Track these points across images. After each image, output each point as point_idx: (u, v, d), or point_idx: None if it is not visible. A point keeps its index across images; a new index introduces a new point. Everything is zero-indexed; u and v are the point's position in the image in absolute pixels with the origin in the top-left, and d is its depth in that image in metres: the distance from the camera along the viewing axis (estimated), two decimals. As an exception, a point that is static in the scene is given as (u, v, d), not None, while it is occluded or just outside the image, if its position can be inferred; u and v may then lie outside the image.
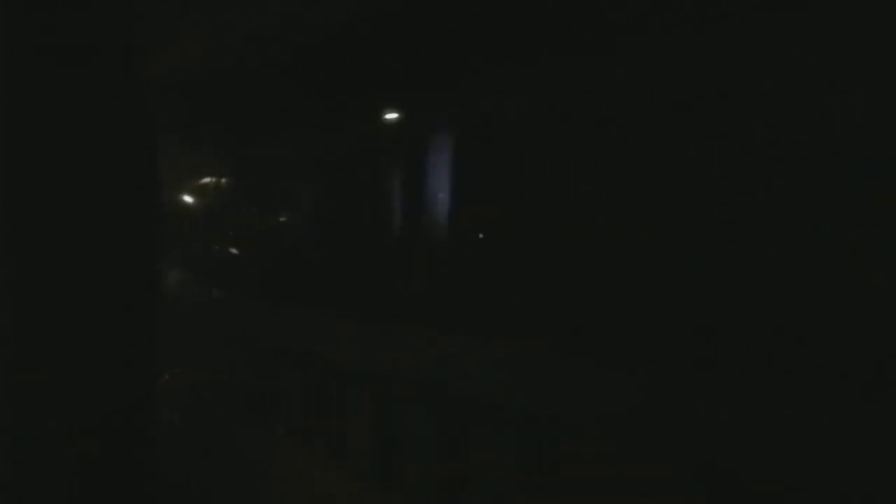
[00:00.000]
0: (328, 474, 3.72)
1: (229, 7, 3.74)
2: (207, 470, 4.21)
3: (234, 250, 5.17)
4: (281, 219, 4.77)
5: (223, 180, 5.38)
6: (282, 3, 3.55)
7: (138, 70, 2.40)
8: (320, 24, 3.46)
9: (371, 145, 3.92)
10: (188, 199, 5.62)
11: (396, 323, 3.43)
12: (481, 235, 3.26)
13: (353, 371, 3.59)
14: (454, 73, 3.25)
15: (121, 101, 2.34)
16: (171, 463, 4.38)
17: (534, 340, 2.86)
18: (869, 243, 1.90)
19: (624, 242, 2.65)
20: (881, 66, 1.92)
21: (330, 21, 3.34)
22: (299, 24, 3.55)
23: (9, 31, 2.17)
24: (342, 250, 4.13)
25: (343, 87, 3.84)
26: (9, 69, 2.18)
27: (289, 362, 4.06)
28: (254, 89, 4.42)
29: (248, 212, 5.05)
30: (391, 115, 3.70)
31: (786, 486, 1.79)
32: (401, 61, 3.40)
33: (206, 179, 5.50)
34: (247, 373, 4.38)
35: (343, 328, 3.72)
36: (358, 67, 3.67)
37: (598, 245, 2.75)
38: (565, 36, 2.81)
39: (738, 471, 1.91)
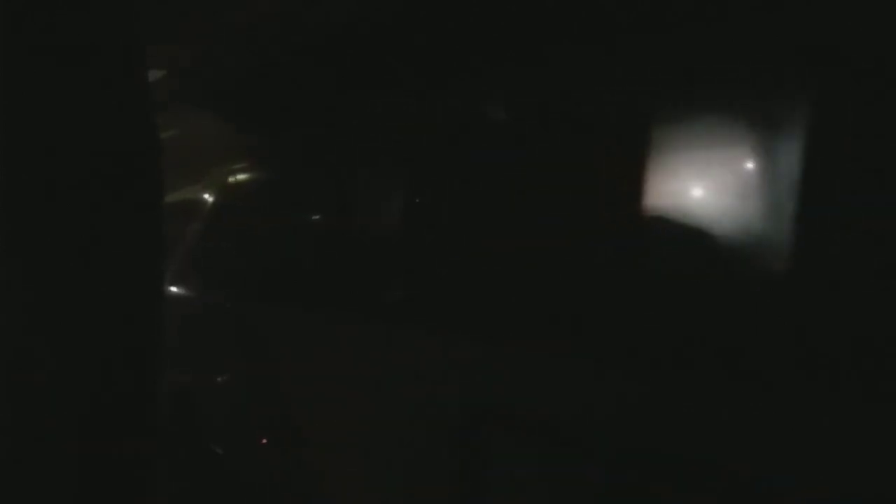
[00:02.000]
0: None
1: (230, 6, 3.74)
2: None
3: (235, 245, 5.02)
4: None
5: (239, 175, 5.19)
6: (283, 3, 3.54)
7: (138, 70, 2.40)
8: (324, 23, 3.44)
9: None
10: (192, 196, 5.57)
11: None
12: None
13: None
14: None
15: (121, 102, 2.34)
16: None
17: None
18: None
19: None
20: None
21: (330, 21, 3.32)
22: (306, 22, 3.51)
23: (9, 30, 2.17)
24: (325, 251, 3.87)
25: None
26: (9, 69, 2.18)
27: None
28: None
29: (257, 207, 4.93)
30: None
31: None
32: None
33: (212, 176, 5.43)
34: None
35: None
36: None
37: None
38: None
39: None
